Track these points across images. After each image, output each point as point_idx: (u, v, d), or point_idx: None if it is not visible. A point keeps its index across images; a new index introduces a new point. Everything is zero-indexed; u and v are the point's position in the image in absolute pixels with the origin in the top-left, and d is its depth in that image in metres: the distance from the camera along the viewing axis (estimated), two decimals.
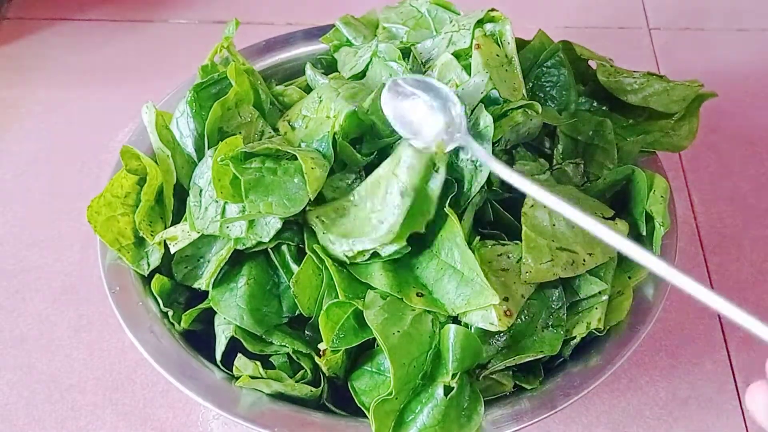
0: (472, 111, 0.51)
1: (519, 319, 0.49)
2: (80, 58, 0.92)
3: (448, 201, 0.49)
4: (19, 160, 0.81)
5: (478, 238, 0.50)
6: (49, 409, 0.63)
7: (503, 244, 0.50)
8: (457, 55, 0.55)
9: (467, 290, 0.47)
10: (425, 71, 0.57)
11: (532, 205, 0.50)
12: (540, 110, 0.51)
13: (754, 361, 0.66)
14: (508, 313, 0.46)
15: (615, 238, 0.39)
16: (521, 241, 0.49)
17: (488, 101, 0.51)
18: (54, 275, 0.71)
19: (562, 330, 0.50)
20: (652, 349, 0.66)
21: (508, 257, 0.49)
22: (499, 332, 0.48)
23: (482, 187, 0.50)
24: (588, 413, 0.63)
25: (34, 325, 0.68)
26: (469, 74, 0.53)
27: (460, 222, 0.49)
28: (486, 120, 0.48)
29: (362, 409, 0.49)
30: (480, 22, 0.56)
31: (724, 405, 0.63)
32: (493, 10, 0.56)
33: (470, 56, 0.54)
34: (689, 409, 0.63)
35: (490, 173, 0.49)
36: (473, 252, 0.48)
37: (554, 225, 0.50)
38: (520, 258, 0.48)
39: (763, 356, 0.67)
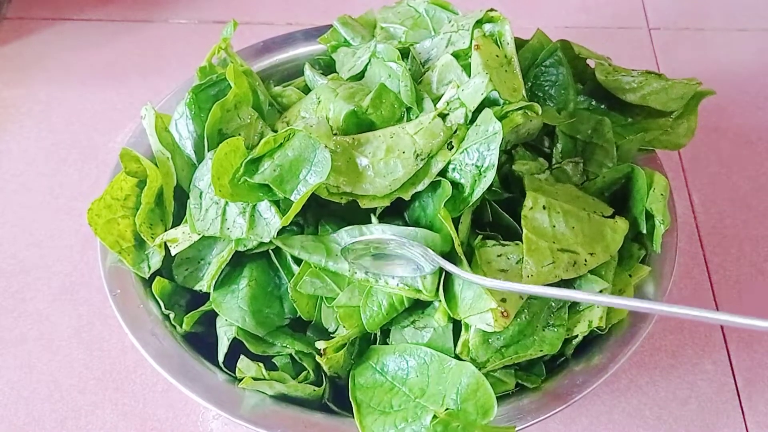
0: (473, 114, 0.51)
1: (519, 319, 0.49)
2: (80, 58, 0.92)
3: (443, 204, 0.49)
4: (19, 160, 0.81)
5: (480, 237, 0.50)
6: (49, 409, 0.63)
7: (504, 245, 0.50)
8: (456, 56, 0.55)
9: (470, 293, 0.47)
10: (425, 71, 0.57)
11: (532, 208, 0.50)
12: (540, 111, 0.51)
13: (754, 361, 0.66)
14: (504, 314, 0.46)
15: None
16: (520, 241, 0.49)
17: (488, 102, 0.51)
18: (54, 275, 0.72)
19: (563, 329, 0.50)
20: (652, 349, 0.66)
21: (508, 258, 0.49)
22: (495, 333, 0.48)
23: None
24: (588, 413, 0.63)
25: (34, 325, 0.68)
26: (469, 75, 0.53)
27: (458, 224, 0.49)
28: (494, 127, 0.48)
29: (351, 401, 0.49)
30: (479, 23, 0.56)
31: (724, 405, 0.63)
32: (491, 10, 0.56)
33: (470, 56, 0.54)
34: (689, 409, 0.63)
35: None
36: (474, 251, 0.48)
37: (554, 226, 0.50)
38: (520, 259, 0.48)
39: (763, 356, 0.68)
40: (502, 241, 0.50)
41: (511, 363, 0.49)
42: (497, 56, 0.53)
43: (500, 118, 0.50)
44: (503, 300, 0.47)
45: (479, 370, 0.48)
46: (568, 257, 0.49)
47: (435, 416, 0.45)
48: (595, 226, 0.51)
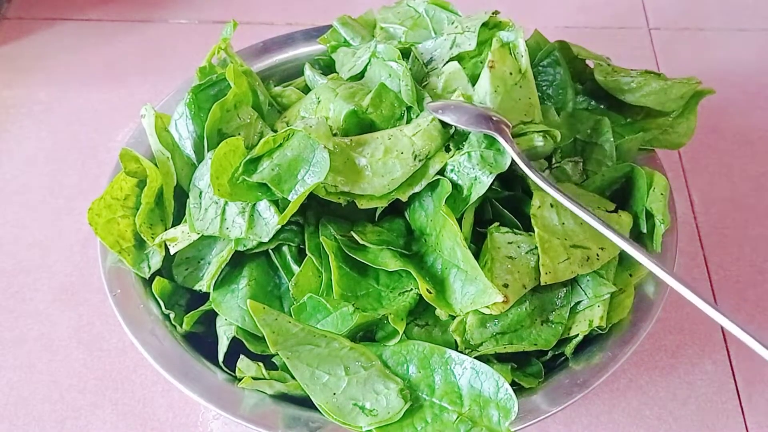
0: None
1: (519, 308, 0.49)
2: (80, 58, 0.92)
3: (444, 201, 0.49)
4: (19, 160, 0.81)
5: (497, 224, 0.51)
6: (49, 409, 0.63)
7: (517, 233, 0.50)
8: (461, 58, 0.55)
9: (472, 289, 0.47)
10: (428, 72, 0.57)
11: (540, 206, 0.50)
12: (558, 138, 0.51)
13: (754, 361, 0.66)
14: (504, 299, 0.46)
15: (618, 239, 0.40)
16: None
17: None
18: (54, 275, 0.72)
19: (561, 327, 0.50)
20: (652, 349, 0.66)
21: (519, 247, 0.49)
22: (492, 317, 0.48)
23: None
24: (588, 413, 0.63)
25: (34, 325, 0.68)
26: (475, 83, 0.53)
27: (460, 223, 0.49)
28: (502, 160, 0.49)
29: None
30: (485, 26, 0.55)
31: (724, 405, 0.63)
32: (496, 12, 0.56)
33: (476, 61, 0.54)
34: (689, 409, 0.63)
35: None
36: (488, 235, 0.48)
37: (563, 223, 0.50)
38: (530, 249, 0.49)
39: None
40: (516, 230, 0.51)
41: (503, 351, 0.49)
42: (511, 74, 0.53)
43: (517, 136, 0.50)
44: (505, 285, 0.47)
45: (470, 352, 0.48)
46: (581, 253, 0.49)
47: (459, 415, 0.45)
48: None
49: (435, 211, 0.50)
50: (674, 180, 0.78)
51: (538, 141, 0.51)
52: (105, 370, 0.65)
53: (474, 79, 0.54)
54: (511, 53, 0.53)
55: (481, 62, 0.55)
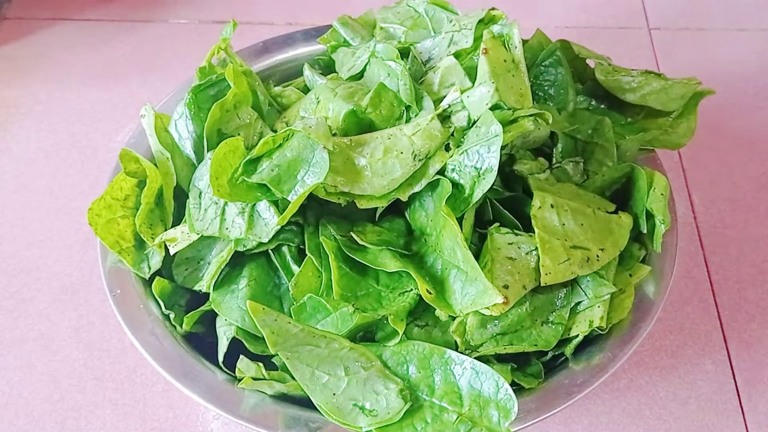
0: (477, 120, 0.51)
1: (520, 309, 0.49)
2: (80, 58, 0.92)
3: (444, 202, 0.49)
4: (19, 160, 0.81)
5: (497, 224, 0.51)
6: (49, 409, 0.63)
7: (517, 234, 0.50)
8: (458, 55, 0.55)
9: (472, 289, 0.47)
10: (426, 71, 0.57)
11: (540, 207, 0.50)
12: (550, 120, 0.51)
13: (754, 361, 0.66)
14: (504, 300, 0.46)
15: None
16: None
17: (493, 108, 0.51)
18: (54, 275, 0.72)
19: (561, 327, 0.50)
20: (652, 349, 0.66)
21: (519, 248, 0.49)
22: (492, 317, 0.48)
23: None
24: (588, 413, 0.63)
25: (34, 325, 0.68)
26: (472, 77, 0.53)
27: (461, 223, 0.49)
28: (495, 129, 0.48)
29: None
30: (482, 22, 0.56)
31: (724, 405, 0.63)
32: (493, 9, 0.56)
33: (472, 57, 0.54)
34: (689, 409, 0.63)
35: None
36: (488, 236, 0.48)
37: (564, 224, 0.50)
38: (530, 250, 0.49)
39: (763, 356, 0.68)
40: (516, 231, 0.50)
41: (503, 352, 0.49)
42: (505, 61, 0.53)
43: (509, 123, 0.49)
44: (505, 286, 0.47)
45: (471, 353, 0.48)
46: (581, 254, 0.49)
47: (459, 415, 0.45)
48: (601, 222, 0.51)
49: (435, 211, 0.50)
50: (674, 180, 0.78)
51: (530, 124, 0.50)
52: (105, 370, 0.65)
53: (470, 73, 0.54)
54: (504, 45, 0.53)
55: (477, 56, 0.55)
